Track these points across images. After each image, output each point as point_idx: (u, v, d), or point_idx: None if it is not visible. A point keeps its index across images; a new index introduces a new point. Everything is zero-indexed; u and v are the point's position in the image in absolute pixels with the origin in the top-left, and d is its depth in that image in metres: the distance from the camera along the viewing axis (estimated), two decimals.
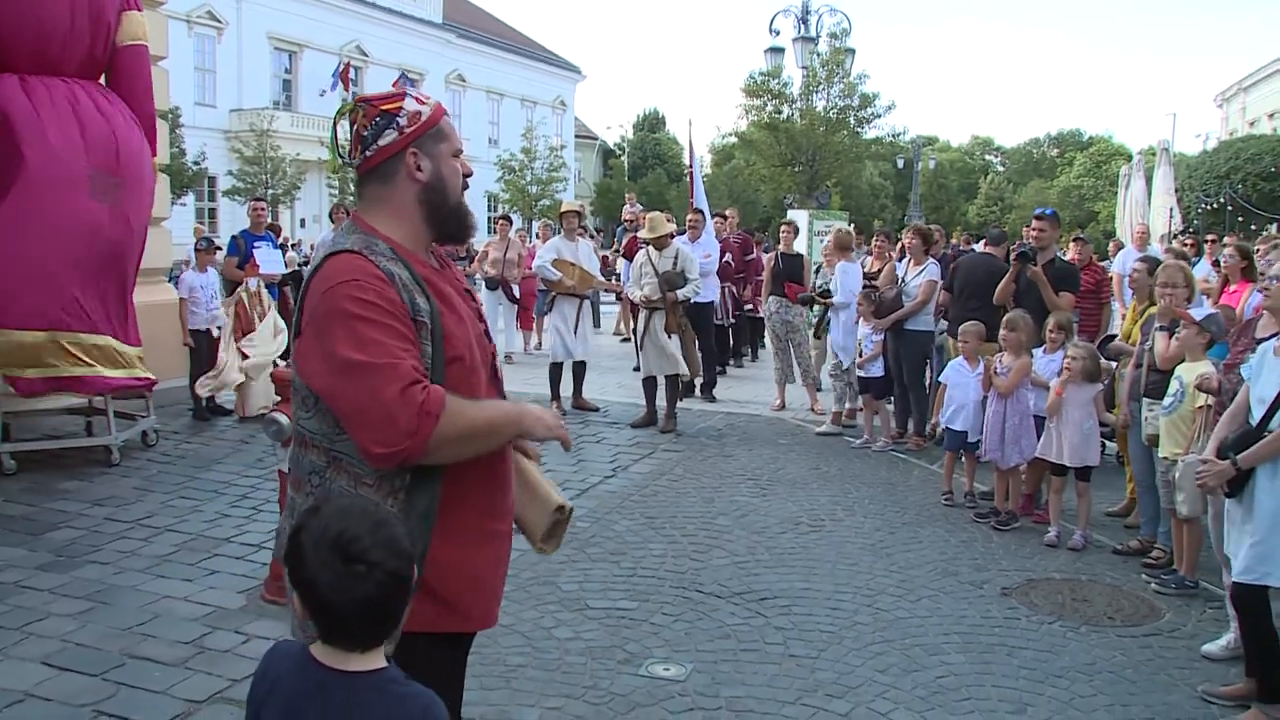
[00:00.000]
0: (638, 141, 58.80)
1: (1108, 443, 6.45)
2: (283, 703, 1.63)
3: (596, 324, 14.88)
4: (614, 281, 13.37)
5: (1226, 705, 3.80)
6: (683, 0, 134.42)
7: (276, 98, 39.28)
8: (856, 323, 8.39)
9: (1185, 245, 11.15)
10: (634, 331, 9.45)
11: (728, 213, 12.88)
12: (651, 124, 60.45)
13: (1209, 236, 13.32)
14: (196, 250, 9.06)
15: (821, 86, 30.81)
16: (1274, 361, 3.77)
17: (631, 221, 14.50)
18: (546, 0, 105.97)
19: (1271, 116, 40.31)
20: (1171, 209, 17.55)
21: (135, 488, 6.42)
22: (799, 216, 14.56)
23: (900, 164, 43.67)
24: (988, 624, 4.56)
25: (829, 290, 8.69)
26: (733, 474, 7.18)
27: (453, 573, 2.06)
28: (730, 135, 38.18)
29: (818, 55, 26.82)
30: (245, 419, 8.32)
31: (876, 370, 8.16)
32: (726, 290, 11.29)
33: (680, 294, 8.43)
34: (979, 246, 10.36)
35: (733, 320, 11.80)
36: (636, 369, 9.47)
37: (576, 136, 55.97)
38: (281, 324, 8.49)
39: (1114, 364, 6.30)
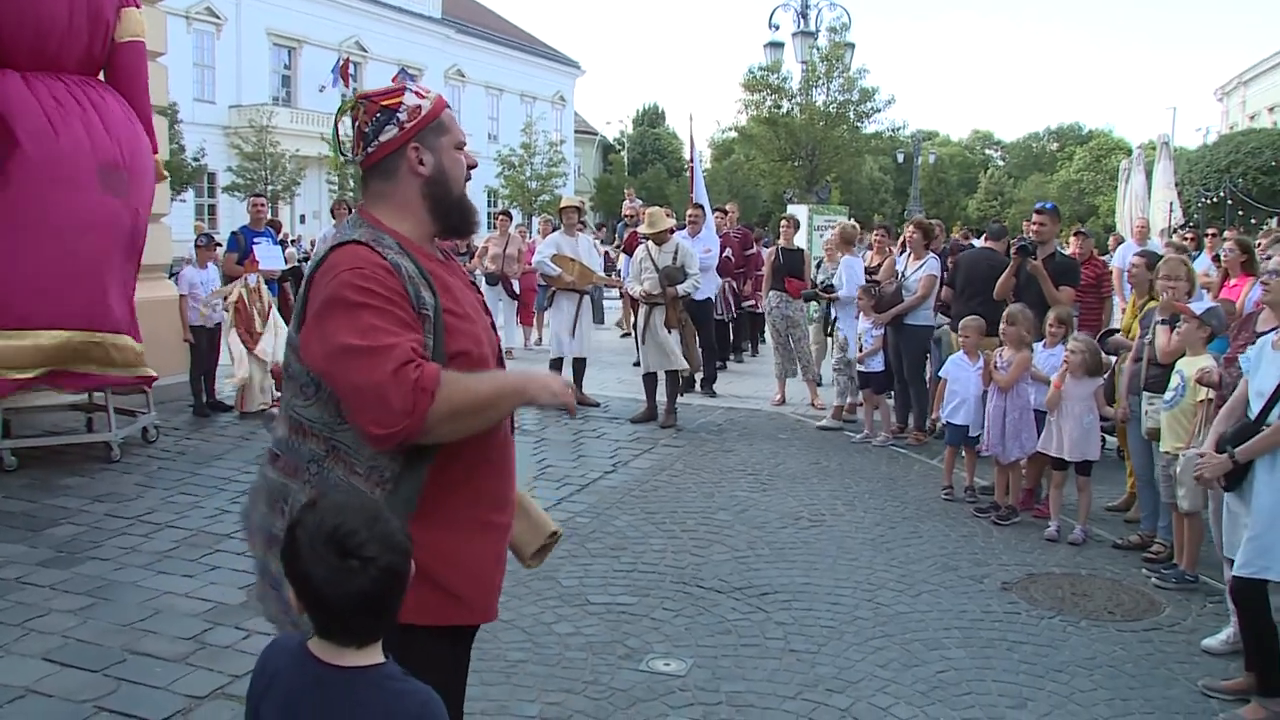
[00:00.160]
0: (637, 136, 58.72)
1: (1108, 437, 6.45)
2: (281, 698, 1.64)
3: (600, 319, 14.89)
4: (614, 277, 13.37)
5: (1226, 699, 3.80)
6: None
7: (276, 94, 39.21)
8: (856, 317, 8.39)
9: (1185, 240, 11.14)
10: (634, 327, 9.45)
11: (728, 208, 12.87)
12: (651, 119, 60.38)
13: (1209, 231, 13.29)
14: (196, 246, 9.06)
15: (821, 81, 30.73)
16: (1272, 355, 3.77)
17: (631, 217, 14.49)
18: None
19: (1272, 110, 40.25)
20: (1171, 203, 17.54)
21: (136, 484, 6.43)
22: (799, 211, 14.54)
23: (900, 159, 43.65)
24: (988, 619, 4.57)
25: (832, 285, 8.68)
26: (733, 469, 7.19)
27: (456, 562, 2.05)
28: (730, 130, 38.02)
29: (817, 50, 26.77)
30: (245, 415, 8.33)
31: (876, 365, 8.15)
32: (726, 285, 11.28)
33: (680, 289, 8.42)
34: (978, 242, 10.37)
35: (733, 315, 11.79)
36: (636, 364, 9.48)
37: (576, 132, 55.89)
38: (282, 324, 8.46)
39: (1114, 358, 6.29)
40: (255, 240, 9.08)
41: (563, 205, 10.00)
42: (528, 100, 50.45)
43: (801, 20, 20.76)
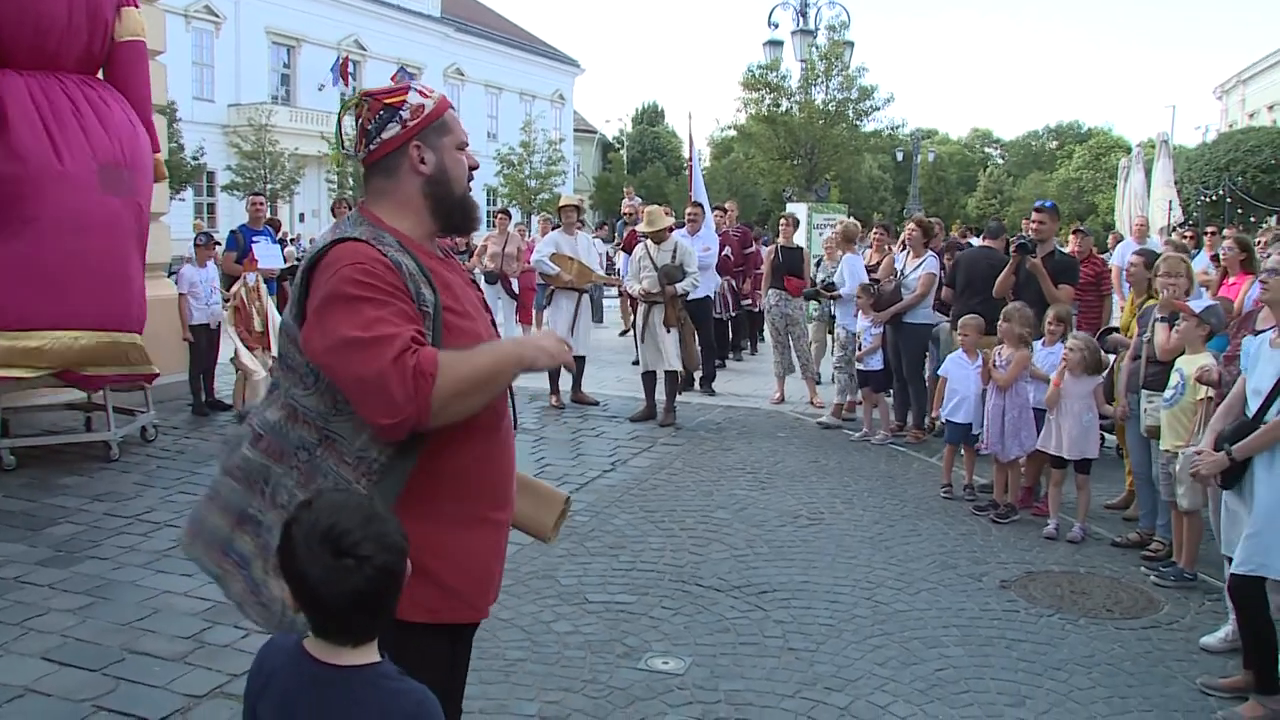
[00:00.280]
0: (636, 135, 58.69)
1: (1107, 435, 6.45)
2: (277, 697, 1.64)
3: (599, 318, 14.88)
4: (613, 276, 13.37)
5: (1224, 697, 3.80)
6: None
7: (275, 92, 39.19)
8: (856, 315, 8.39)
9: (1184, 238, 11.13)
10: (633, 325, 9.45)
11: (727, 206, 12.87)
12: (650, 117, 60.35)
13: (1208, 229, 13.28)
14: (195, 245, 9.05)
15: (820, 79, 30.68)
16: (1270, 353, 3.77)
17: (631, 215, 14.49)
18: None
19: (1271, 109, 40.24)
20: (1171, 201, 17.53)
21: (135, 483, 6.43)
22: (798, 210, 14.52)
23: (899, 157, 43.60)
24: (986, 616, 4.57)
25: (833, 283, 8.68)
26: (732, 467, 7.19)
27: (444, 554, 2.05)
28: (729, 128, 38.01)
29: (816, 48, 26.74)
30: (244, 414, 8.32)
31: (876, 363, 8.15)
32: (726, 284, 11.28)
33: (679, 288, 8.42)
34: (976, 240, 10.37)
35: (732, 314, 11.79)
36: (635, 363, 9.47)
37: (575, 130, 55.88)
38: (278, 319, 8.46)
39: (1112, 356, 6.29)
40: (254, 239, 9.08)
41: (562, 204, 10.00)
42: (527, 99, 50.43)
43: (801, 18, 20.77)
